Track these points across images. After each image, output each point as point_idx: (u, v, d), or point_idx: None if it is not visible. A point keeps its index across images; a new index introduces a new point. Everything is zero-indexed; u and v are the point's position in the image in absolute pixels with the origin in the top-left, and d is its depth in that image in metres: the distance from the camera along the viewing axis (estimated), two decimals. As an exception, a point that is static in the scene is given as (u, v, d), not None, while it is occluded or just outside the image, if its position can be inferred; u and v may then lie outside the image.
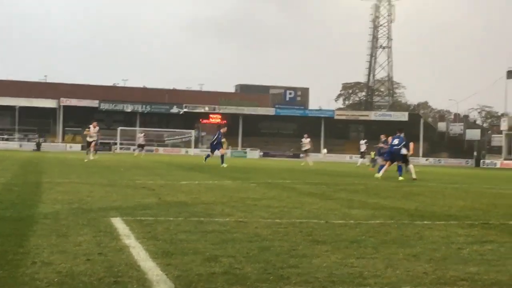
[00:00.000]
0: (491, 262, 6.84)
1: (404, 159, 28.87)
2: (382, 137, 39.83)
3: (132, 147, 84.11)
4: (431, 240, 8.38)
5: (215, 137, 37.69)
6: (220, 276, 5.74)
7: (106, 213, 10.22)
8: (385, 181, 25.85)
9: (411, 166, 28.79)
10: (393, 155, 28.83)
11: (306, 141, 53.24)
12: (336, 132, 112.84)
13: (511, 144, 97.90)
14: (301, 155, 50.47)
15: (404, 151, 28.60)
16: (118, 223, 8.99)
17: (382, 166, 29.89)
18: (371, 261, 6.66)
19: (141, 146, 64.90)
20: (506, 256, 7.23)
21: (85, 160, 36.63)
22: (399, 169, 28.30)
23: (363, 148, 58.00)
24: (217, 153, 36.54)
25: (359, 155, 60.31)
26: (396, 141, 28.95)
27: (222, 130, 37.82)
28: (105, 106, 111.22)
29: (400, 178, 27.04)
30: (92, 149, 39.28)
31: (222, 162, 34.73)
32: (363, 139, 61.94)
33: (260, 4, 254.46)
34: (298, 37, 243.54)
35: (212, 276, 5.76)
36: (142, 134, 67.51)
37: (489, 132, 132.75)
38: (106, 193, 14.33)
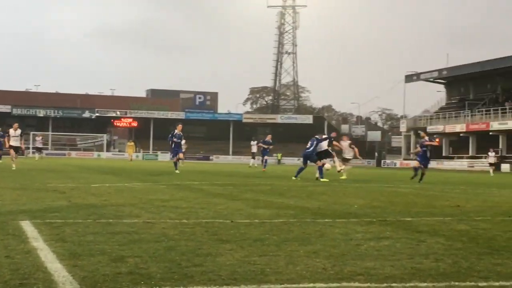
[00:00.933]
0: (386, 257, 6.95)
1: (328, 155, 29.12)
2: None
3: (32, 151, 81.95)
4: (331, 237, 8.47)
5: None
6: (125, 276, 5.67)
7: (15, 216, 9.97)
8: (289, 181, 26.11)
9: (328, 166, 28.90)
10: (305, 158, 28.92)
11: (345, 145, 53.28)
12: (244, 134, 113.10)
13: (410, 144, 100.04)
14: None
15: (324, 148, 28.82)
16: (27, 226, 8.78)
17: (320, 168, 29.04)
18: (273, 258, 6.68)
19: (38, 150, 64.13)
20: (400, 251, 7.36)
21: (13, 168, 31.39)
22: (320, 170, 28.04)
23: (254, 149, 58.61)
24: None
25: (250, 156, 60.93)
26: (308, 144, 28.88)
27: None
28: (17, 111, 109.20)
29: (323, 179, 26.97)
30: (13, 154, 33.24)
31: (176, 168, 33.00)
32: (254, 141, 62.01)
33: (168, 13, 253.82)
34: (207, 44, 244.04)
35: (118, 276, 5.68)
36: (40, 138, 66.74)
37: (389, 133, 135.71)
38: (17, 196, 14.01)
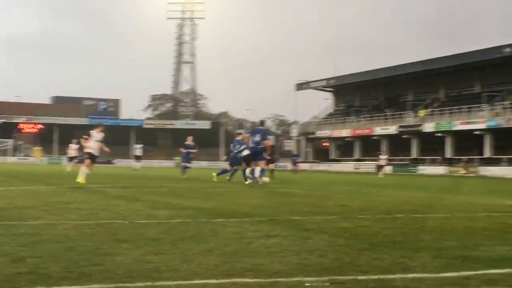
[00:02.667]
0: (275, 254, 7.02)
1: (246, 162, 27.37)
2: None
3: None
4: (224, 236, 8.50)
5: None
6: (24, 276, 5.54)
7: None
8: (190, 183, 26.05)
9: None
10: (233, 160, 28.37)
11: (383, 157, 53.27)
12: (145, 139, 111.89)
13: (300, 149, 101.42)
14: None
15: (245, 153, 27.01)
16: None
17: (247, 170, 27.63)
18: (169, 257, 6.66)
19: None
20: (288, 248, 7.45)
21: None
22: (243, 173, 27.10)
23: (139, 152, 57.48)
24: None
25: (134, 160, 59.56)
26: (237, 146, 28.25)
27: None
28: None
29: (246, 182, 25.65)
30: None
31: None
32: (138, 144, 60.41)
33: (71, 23, 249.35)
34: (109, 53, 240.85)
35: (18, 276, 5.55)
36: None
37: (282, 138, 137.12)
38: None
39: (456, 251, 7.55)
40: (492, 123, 71.50)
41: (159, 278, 5.58)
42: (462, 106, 76.88)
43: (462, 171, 67.97)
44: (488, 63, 77.78)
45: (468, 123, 74.41)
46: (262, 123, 25.22)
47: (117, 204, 13.62)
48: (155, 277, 5.62)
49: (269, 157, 28.53)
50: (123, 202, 14.35)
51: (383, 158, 52.78)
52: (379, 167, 51.79)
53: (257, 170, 24.50)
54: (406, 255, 7.10)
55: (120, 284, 5.31)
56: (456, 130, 76.11)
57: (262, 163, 24.62)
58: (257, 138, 24.49)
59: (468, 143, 76.29)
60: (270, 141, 23.17)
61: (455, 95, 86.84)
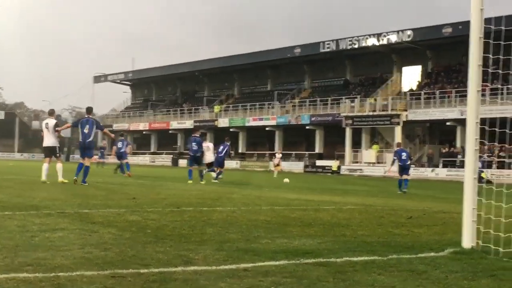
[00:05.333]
0: (59, 248, 6.85)
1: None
2: None
3: None
4: (8, 230, 8.17)
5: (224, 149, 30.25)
6: None
7: None
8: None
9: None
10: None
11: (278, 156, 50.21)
12: None
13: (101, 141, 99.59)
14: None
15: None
16: None
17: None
18: None
19: None
20: (73, 242, 7.31)
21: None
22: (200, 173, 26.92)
23: None
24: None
25: None
26: (220, 148, 29.61)
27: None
28: None
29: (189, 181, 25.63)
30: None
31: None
32: None
33: None
34: None
35: None
36: None
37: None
38: None
39: (238, 243, 7.76)
40: (281, 120, 74.26)
41: None
42: (255, 103, 79.20)
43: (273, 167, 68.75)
44: (280, 62, 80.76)
45: (260, 119, 76.78)
46: (89, 111, 21.48)
47: None
48: None
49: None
50: None
51: (279, 157, 50.88)
52: (276, 166, 49.55)
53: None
54: (190, 248, 7.20)
55: None
56: (249, 126, 78.27)
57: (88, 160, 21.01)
58: (86, 129, 20.64)
59: (260, 138, 78.78)
60: (106, 129, 21.27)
61: (249, 92, 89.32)
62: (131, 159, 74.34)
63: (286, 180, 32.90)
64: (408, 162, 26.61)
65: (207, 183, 25.39)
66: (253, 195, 18.61)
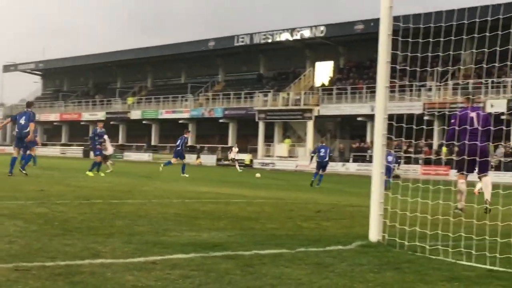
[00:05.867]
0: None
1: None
2: None
3: None
4: None
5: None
6: None
7: None
8: None
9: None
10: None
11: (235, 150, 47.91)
12: None
13: (6, 131, 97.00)
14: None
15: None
16: None
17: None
18: None
19: None
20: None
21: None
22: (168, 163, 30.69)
23: None
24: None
25: None
26: (178, 142, 30.76)
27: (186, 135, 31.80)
28: None
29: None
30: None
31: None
32: None
33: None
34: None
35: None
36: None
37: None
38: None
39: (147, 236, 7.70)
40: (195, 113, 74.11)
41: None
42: (169, 96, 78.72)
43: (197, 161, 68.43)
44: (194, 55, 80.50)
45: (174, 112, 76.40)
46: (28, 104, 21.89)
47: None
48: None
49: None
50: None
51: (235, 151, 49.43)
52: (233, 160, 48.04)
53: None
54: (99, 241, 7.10)
55: None
56: (162, 118, 77.79)
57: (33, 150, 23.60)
58: (22, 121, 21.01)
59: (173, 131, 78.39)
60: (33, 123, 21.25)
61: (162, 84, 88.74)
62: (41, 151, 72.89)
63: (258, 175, 34.55)
64: (326, 159, 26.97)
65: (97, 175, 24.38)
66: (164, 187, 18.52)
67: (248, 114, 67.28)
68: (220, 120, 71.41)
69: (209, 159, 67.53)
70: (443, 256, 6.94)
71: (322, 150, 27.01)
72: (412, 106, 50.28)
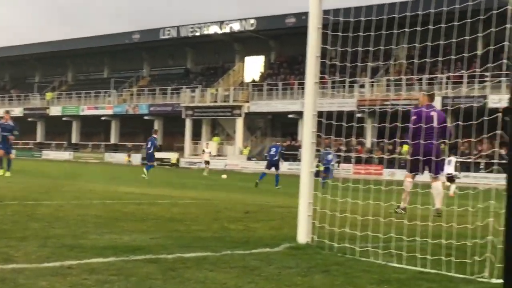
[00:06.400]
0: None
1: None
2: None
3: None
4: None
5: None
6: None
7: None
8: None
9: None
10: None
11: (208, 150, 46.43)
12: None
13: None
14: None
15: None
16: None
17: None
18: None
19: None
20: None
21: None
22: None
23: None
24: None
25: None
26: (149, 144, 30.66)
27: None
28: None
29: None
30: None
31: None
32: None
33: None
34: None
35: None
36: None
37: None
38: None
39: (64, 239, 7.56)
40: (118, 109, 73.39)
41: None
42: (90, 91, 77.71)
43: (126, 159, 67.66)
44: (117, 48, 79.64)
45: (96, 108, 75.49)
46: None
47: None
48: None
49: None
50: None
51: (207, 152, 47.82)
52: (206, 163, 46.48)
53: None
54: (11, 245, 6.93)
55: None
56: (84, 115, 76.76)
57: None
58: None
59: (95, 128, 77.42)
60: None
61: (84, 79, 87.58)
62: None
63: (224, 176, 35.13)
64: (276, 158, 27.70)
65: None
66: (84, 188, 18.26)
67: (174, 111, 67.02)
68: (145, 117, 70.90)
69: (134, 158, 66.90)
70: (373, 258, 7.02)
71: (273, 149, 27.98)
72: (345, 103, 50.85)
